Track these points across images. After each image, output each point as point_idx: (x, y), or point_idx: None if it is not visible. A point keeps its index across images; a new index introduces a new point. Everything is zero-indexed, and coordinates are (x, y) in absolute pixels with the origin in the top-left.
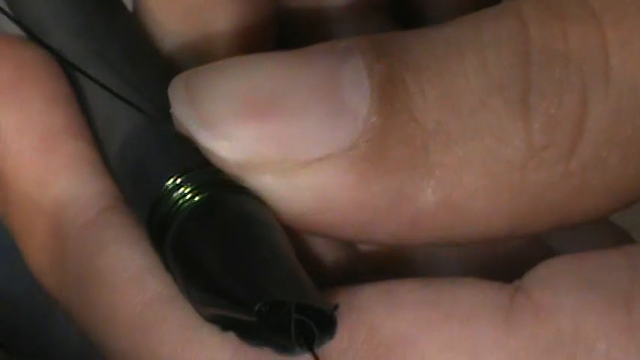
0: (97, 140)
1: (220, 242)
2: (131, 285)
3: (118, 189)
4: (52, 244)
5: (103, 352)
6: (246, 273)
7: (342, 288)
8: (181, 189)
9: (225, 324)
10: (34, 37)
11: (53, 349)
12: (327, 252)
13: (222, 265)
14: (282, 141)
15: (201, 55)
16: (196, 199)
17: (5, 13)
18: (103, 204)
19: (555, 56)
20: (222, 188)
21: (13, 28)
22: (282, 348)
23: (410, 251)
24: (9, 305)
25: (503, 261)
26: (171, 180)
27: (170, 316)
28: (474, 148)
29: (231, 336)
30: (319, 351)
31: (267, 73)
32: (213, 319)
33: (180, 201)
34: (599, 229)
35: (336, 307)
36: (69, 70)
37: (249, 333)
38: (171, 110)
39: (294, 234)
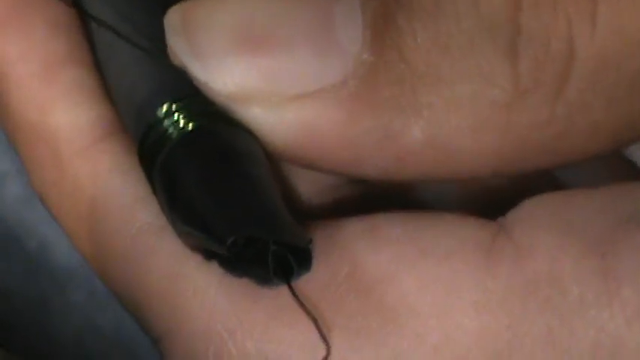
0: (98, 68)
1: (203, 172)
2: (122, 214)
3: (117, 116)
4: (51, 170)
5: (101, 279)
6: (224, 206)
7: (325, 223)
8: (173, 117)
9: (208, 254)
10: None
11: (48, 345)
12: (313, 190)
13: (201, 196)
14: (272, 74)
15: None
16: (186, 127)
17: None
18: (100, 131)
19: (544, 1)
20: (213, 119)
21: None
22: (261, 279)
23: (400, 189)
24: (3, 300)
25: (498, 196)
26: (164, 107)
27: (159, 247)
28: (462, 89)
29: (216, 266)
30: (297, 283)
31: (262, 7)
32: (197, 249)
33: (171, 129)
34: (609, 163)
35: (310, 241)
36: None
37: (231, 263)
38: (166, 41)
39: (282, 170)
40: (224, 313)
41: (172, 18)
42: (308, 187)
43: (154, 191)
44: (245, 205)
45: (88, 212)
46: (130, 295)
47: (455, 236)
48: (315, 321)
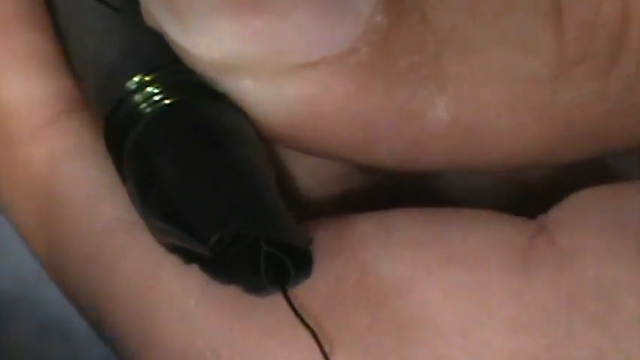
0: (58, 32)
1: (183, 156)
2: (84, 208)
3: (79, 89)
4: (1, 154)
5: (59, 286)
6: (207, 197)
7: (330, 220)
8: (146, 90)
9: (188, 256)
10: None
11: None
12: (316, 181)
13: (180, 185)
14: (268, 39)
15: None
16: (162, 102)
17: None
18: (57, 108)
19: None
20: (194, 92)
21: None
22: (252, 286)
23: (420, 180)
24: None
25: (538, 189)
26: (136, 79)
27: (129, 246)
28: (495, 58)
29: (197, 271)
30: (295, 292)
31: None
32: (174, 250)
33: (144, 104)
34: None
35: (310, 241)
36: None
37: (215, 267)
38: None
39: (279, 156)
40: (207, 328)
41: None
42: (309, 176)
43: (123, 179)
44: (232, 197)
45: (44, 204)
46: (93, 305)
47: (485, 238)
48: (315, 337)
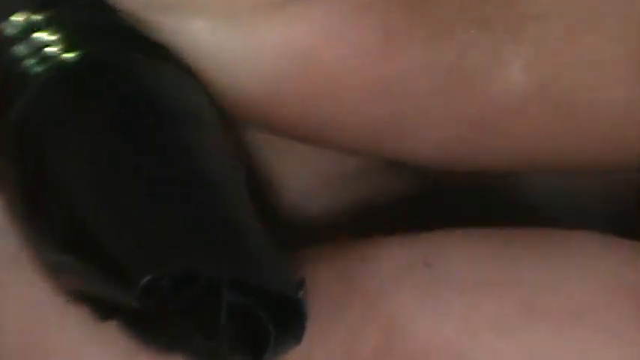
0: None
1: (94, 148)
2: None
3: None
4: None
5: None
6: (134, 216)
7: (338, 247)
8: (37, 38)
9: (102, 307)
10: None
11: None
12: (315, 182)
13: (91, 195)
14: None
15: None
16: (60, 58)
17: None
18: None
19: None
20: (112, 42)
21: None
22: (207, 357)
23: (460, 185)
24: None
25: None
26: (19, 19)
27: (9, 291)
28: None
29: (117, 332)
30: None
31: None
32: (80, 298)
33: (34, 60)
34: None
35: (300, 285)
36: None
37: (147, 327)
38: None
39: (258, 146)
40: None
41: None
42: (305, 176)
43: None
44: (175, 215)
45: None
46: None
47: (591, 279)
48: None
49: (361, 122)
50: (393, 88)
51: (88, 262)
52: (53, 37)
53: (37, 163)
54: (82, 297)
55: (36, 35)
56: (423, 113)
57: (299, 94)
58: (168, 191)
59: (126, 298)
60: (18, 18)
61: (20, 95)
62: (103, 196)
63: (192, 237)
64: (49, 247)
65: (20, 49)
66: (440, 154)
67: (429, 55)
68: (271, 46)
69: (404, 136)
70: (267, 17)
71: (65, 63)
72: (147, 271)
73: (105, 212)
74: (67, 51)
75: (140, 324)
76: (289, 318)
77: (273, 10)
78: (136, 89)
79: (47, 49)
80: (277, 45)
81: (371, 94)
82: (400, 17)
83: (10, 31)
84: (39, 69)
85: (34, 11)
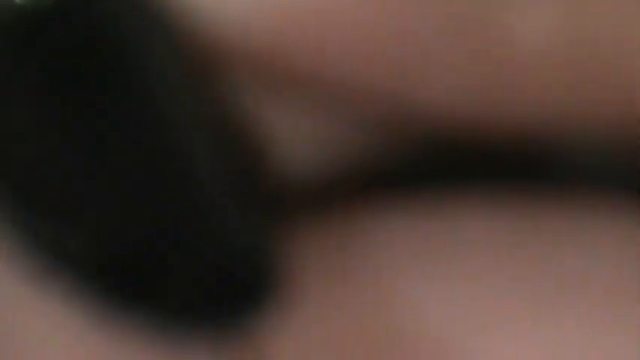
0: None
1: (61, 88)
2: None
3: None
4: None
5: None
6: (101, 171)
7: (339, 226)
8: None
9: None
10: None
11: None
12: (320, 153)
13: (55, 149)
14: None
15: None
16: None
17: None
18: None
19: None
20: None
21: None
22: (173, 323)
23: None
24: None
25: None
26: None
27: None
28: None
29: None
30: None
31: None
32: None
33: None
34: None
35: (276, 249)
36: None
37: (120, 297)
38: None
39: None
40: None
41: None
42: (304, 148)
43: None
44: (150, 174)
45: None
46: None
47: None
48: None
49: (364, 76)
50: (400, 38)
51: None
52: None
53: None
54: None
55: None
56: (435, 67)
57: (297, 38)
58: (140, 134)
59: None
60: None
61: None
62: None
63: (167, 183)
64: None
65: None
66: (449, 107)
67: (442, 3)
68: None
69: (415, 95)
70: None
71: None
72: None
73: (64, 172)
74: None
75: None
76: (261, 286)
77: None
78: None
79: None
80: None
81: (377, 46)
82: None
83: None
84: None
85: None
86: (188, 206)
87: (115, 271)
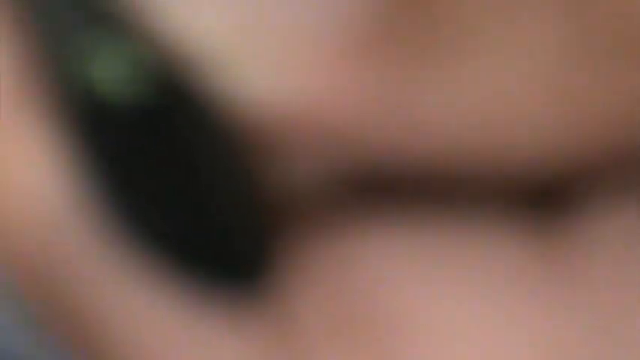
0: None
1: (139, 155)
2: (38, 212)
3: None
4: None
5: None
6: (163, 192)
7: (324, 230)
8: (109, 67)
9: (142, 251)
10: None
11: None
12: (306, 179)
13: (135, 187)
14: (255, 12)
15: None
16: (125, 89)
17: None
18: (12, 94)
19: None
20: (164, 79)
21: None
22: (200, 289)
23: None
24: None
25: (555, 187)
26: (97, 59)
27: (87, 250)
28: (510, 37)
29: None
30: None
31: None
32: (125, 242)
33: (104, 85)
34: None
35: (263, 239)
36: None
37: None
38: None
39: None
40: (154, 335)
41: None
42: (309, 172)
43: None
44: (193, 194)
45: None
46: (53, 310)
47: (487, 243)
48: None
49: (340, 132)
50: (352, 105)
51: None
52: (121, 68)
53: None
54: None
55: (110, 67)
56: (378, 124)
57: (302, 115)
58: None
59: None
60: (98, 53)
61: (89, 119)
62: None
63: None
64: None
65: (97, 74)
66: (394, 153)
67: (381, 88)
68: (284, 82)
69: (368, 143)
70: (281, 64)
71: (127, 103)
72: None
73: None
74: (132, 82)
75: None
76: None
77: (284, 60)
78: (178, 138)
79: (118, 78)
80: (288, 82)
81: (346, 114)
82: (365, 64)
83: (88, 67)
84: (110, 96)
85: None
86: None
87: (175, 246)
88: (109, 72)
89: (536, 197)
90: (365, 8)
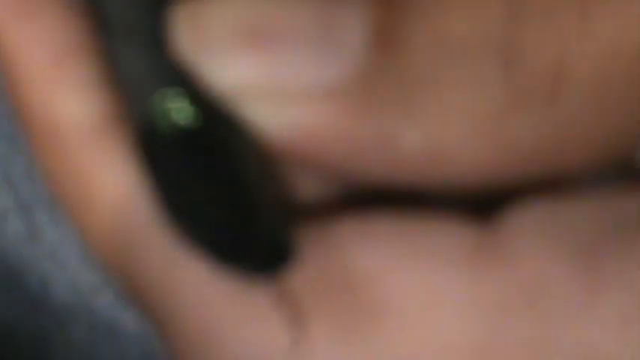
0: (106, 59)
1: (192, 168)
2: (123, 207)
3: (121, 109)
4: (59, 162)
5: (110, 272)
6: (210, 202)
7: (320, 220)
8: (169, 108)
9: (199, 246)
10: None
11: None
12: (313, 189)
13: (188, 193)
14: (272, 71)
15: None
16: (181, 121)
17: None
18: (105, 124)
19: (537, 15)
20: (210, 111)
21: None
22: (247, 274)
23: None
24: (5, 337)
25: (493, 193)
26: (163, 100)
27: (155, 239)
28: (457, 96)
29: (208, 261)
30: (285, 280)
31: (266, 6)
32: (188, 241)
33: (166, 123)
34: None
35: (292, 238)
36: None
37: (217, 257)
38: (172, 35)
39: (279, 169)
40: (217, 309)
41: (180, 13)
42: (311, 181)
43: (148, 183)
44: (232, 202)
45: (92, 204)
46: (132, 285)
47: (443, 236)
48: (289, 316)
49: (334, 161)
50: (350, 145)
51: (185, 225)
52: (180, 110)
53: (166, 179)
54: (186, 242)
55: (172, 109)
56: (366, 159)
57: (302, 144)
58: (230, 189)
59: (204, 245)
60: (163, 98)
61: (156, 144)
62: (193, 193)
63: (240, 212)
64: (168, 216)
65: (163, 115)
66: (377, 178)
67: (366, 127)
68: (287, 118)
69: (358, 169)
70: (284, 105)
71: (184, 125)
72: (213, 228)
73: (193, 200)
74: (186, 117)
75: (214, 256)
76: (288, 256)
77: (288, 100)
78: (219, 141)
79: (177, 117)
80: (289, 118)
81: (339, 147)
82: (354, 107)
83: (158, 106)
84: (169, 128)
85: (173, 95)
86: (250, 216)
87: (214, 245)
88: (171, 112)
89: (480, 202)
90: (351, 71)
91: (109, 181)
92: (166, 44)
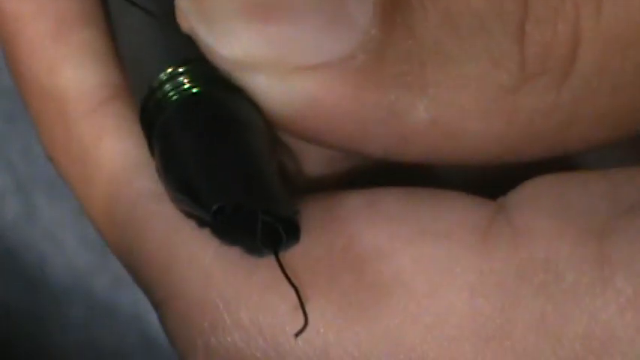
0: (110, 29)
1: (198, 138)
2: (123, 178)
3: (124, 80)
4: (59, 131)
5: (107, 244)
6: (212, 173)
7: (325, 195)
8: (176, 80)
9: (200, 221)
10: None
11: None
12: (318, 165)
13: (192, 162)
14: (280, 43)
15: None
16: (188, 91)
17: None
18: (106, 94)
19: None
20: (216, 84)
21: None
22: (251, 249)
23: (407, 166)
24: (2, 316)
25: (503, 173)
26: (167, 71)
27: (156, 212)
28: (469, 70)
29: (209, 233)
30: (291, 256)
31: None
32: (190, 216)
33: (173, 92)
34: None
35: (296, 212)
36: None
37: (220, 231)
38: (176, 5)
39: (288, 140)
40: (220, 282)
41: None
42: (316, 156)
43: (152, 156)
44: (235, 174)
45: (93, 175)
46: (130, 259)
47: (453, 215)
48: (296, 291)
49: (339, 134)
50: (356, 117)
51: (189, 196)
52: (186, 81)
53: (168, 150)
54: (189, 215)
55: (177, 80)
56: (372, 131)
57: (309, 118)
58: (234, 160)
59: (206, 217)
60: (168, 69)
61: (163, 113)
62: (198, 164)
63: (243, 183)
64: (173, 189)
65: (167, 86)
66: (384, 154)
67: (376, 100)
68: (295, 92)
69: (363, 143)
70: (293, 77)
71: (190, 95)
72: (215, 202)
73: (198, 172)
74: (191, 88)
75: (217, 230)
76: (293, 229)
77: (296, 73)
78: (225, 110)
79: (182, 87)
80: (298, 91)
81: (345, 119)
82: (363, 79)
83: (163, 77)
84: (175, 98)
85: (177, 66)
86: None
87: (218, 215)
88: (175, 80)
89: (490, 182)
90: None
91: (110, 152)
92: (171, 14)
